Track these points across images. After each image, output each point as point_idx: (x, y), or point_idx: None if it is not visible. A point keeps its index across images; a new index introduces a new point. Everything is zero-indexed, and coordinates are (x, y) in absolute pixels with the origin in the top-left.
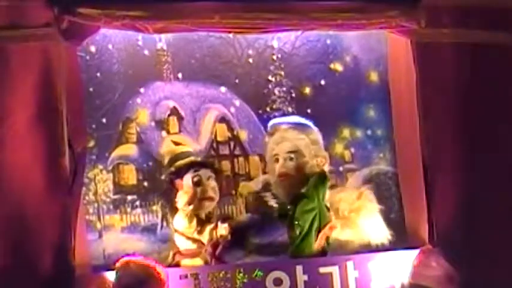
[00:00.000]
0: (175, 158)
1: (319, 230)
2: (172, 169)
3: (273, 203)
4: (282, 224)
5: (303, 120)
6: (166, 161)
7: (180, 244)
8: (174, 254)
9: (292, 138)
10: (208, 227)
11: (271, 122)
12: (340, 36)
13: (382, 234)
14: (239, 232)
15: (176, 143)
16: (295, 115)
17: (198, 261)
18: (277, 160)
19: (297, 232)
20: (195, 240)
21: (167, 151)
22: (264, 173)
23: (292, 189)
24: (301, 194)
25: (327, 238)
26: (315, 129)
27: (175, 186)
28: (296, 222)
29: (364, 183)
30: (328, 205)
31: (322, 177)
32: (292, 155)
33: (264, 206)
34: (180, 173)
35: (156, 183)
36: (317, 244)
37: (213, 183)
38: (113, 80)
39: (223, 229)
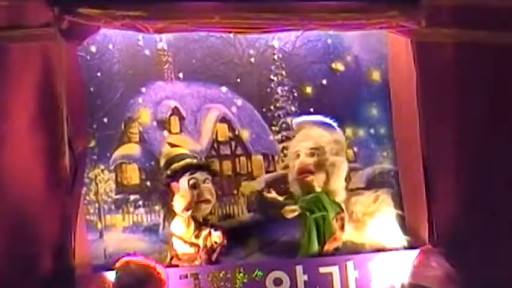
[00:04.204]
0: (170, 160)
1: (321, 239)
2: (168, 172)
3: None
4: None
5: (327, 120)
6: (162, 163)
7: (178, 248)
8: (172, 258)
9: (315, 136)
10: (203, 234)
11: (295, 121)
12: (340, 36)
13: (396, 239)
14: (241, 232)
15: (172, 145)
16: (299, 114)
17: None
18: (298, 156)
19: (307, 237)
20: (192, 244)
21: (163, 153)
22: (267, 172)
23: (309, 189)
24: (316, 204)
25: (336, 248)
26: (339, 130)
27: (171, 190)
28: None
29: (367, 182)
30: (343, 206)
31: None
32: (314, 151)
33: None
34: (175, 176)
35: (159, 183)
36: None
37: (209, 185)
38: (113, 80)
39: (216, 237)
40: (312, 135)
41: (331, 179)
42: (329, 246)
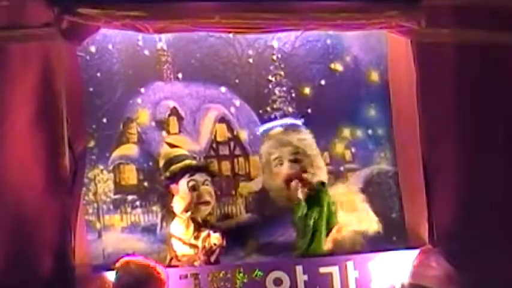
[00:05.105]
0: (169, 162)
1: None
2: (167, 174)
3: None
4: (292, 224)
5: (293, 120)
6: (161, 164)
7: (177, 249)
8: (171, 259)
9: (292, 140)
10: (202, 235)
11: (260, 129)
12: (340, 36)
13: (371, 221)
14: (239, 232)
15: (171, 145)
16: (296, 115)
17: None
18: (280, 163)
19: (309, 235)
20: (191, 245)
21: (162, 154)
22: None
23: (295, 192)
24: (314, 201)
25: (335, 239)
26: (304, 128)
27: (170, 192)
28: (309, 226)
29: (365, 183)
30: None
31: (324, 185)
32: (298, 157)
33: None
34: (175, 178)
35: (157, 184)
36: (326, 246)
37: (208, 187)
38: (113, 80)
39: (215, 238)
40: (290, 140)
41: (314, 178)
42: (337, 236)
